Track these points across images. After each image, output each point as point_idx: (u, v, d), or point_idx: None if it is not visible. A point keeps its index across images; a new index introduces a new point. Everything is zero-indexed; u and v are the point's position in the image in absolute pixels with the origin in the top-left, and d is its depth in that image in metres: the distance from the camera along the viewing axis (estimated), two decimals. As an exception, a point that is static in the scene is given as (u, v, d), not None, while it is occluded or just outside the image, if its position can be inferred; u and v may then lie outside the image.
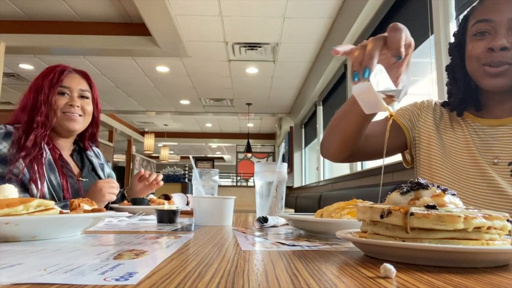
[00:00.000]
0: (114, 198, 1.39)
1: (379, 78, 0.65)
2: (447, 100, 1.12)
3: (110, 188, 1.36)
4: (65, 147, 1.49)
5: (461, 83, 1.05)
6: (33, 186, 1.25)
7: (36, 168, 1.27)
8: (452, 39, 1.11)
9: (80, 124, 1.44)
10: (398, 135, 1.13)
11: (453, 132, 1.06)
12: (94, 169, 1.56)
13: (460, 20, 1.13)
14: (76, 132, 1.47)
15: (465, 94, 1.05)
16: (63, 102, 1.40)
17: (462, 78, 1.05)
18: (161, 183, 1.64)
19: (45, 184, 1.28)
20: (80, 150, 1.56)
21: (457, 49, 1.06)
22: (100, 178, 1.54)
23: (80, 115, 1.43)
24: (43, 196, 1.26)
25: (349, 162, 1.16)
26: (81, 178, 1.44)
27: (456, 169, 1.01)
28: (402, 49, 0.67)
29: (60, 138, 1.46)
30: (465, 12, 1.07)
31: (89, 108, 1.46)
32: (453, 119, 1.09)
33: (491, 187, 0.94)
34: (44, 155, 1.32)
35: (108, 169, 1.65)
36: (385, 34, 0.68)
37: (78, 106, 1.41)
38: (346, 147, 1.03)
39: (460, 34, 1.06)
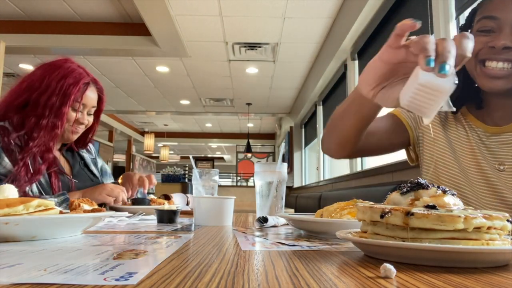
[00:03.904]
0: (110, 200, 1.36)
1: None
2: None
3: (111, 193, 1.35)
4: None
5: (460, 80, 1.03)
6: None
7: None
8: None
9: (78, 135, 1.40)
10: (401, 132, 1.11)
11: (457, 134, 1.04)
12: (86, 165, 1.51)
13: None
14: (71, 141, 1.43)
15: (462, 93, 1.02)
16: (75, 117, 1.33)
17: (461, 74, 1.01)
18: (155, 182, 1.60)
19: (34, 184, 1.23)
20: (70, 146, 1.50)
21: None
22: (93, 173, 1.50)
23: (80, 129, 1.39)
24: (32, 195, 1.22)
25: (351, 158, 1.14)
26: (74, 180, 1.39)
27: (461, 172, 1.00)
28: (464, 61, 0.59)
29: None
30: (475, 5, 1.03)
31: (91, 121, 1.42)
32: (457, 120, 1.07)
33: (494, 194, 0.93)
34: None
35: (101, 162, 1.61)
36: (453, 39, 0.59)
37: (85, 124, 1.38)
38: (345, 146, 1.01)
39: (466, 28, 1.02)
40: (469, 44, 0.58)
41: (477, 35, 0.94)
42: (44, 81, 1.26)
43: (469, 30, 1.00)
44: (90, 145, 1.59)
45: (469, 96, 1.03)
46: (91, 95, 1.37)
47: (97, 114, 1.46)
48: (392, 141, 1.12)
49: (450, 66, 0.54)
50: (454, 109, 0.61)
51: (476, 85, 1.00)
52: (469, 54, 0.58)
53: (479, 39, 0.93)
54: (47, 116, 1.24)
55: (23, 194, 1.19)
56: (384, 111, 0.93)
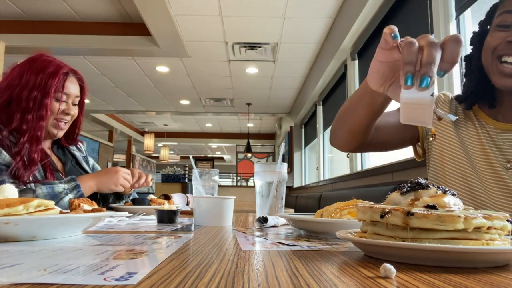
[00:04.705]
0: (122, 189, 1.38)
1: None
2: (460, 94, 1.08)
3: (126, 179, 1.37)
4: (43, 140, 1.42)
5: (475, 76, 1.00)
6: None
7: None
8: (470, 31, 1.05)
9: (64, 130, 1.40)
10: (411, 127, 1.09)
11: (467, 131, 1.03)
12: (78, 163, 1.51)
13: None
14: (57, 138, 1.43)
15: (477, 88, 1.00)
16: (61, 108, 1.34)
17: (477, 71, 0.99)
18: (150, 183, 1.61)
19: (30, 179, 1.23)
20: (60, 144, 1.50)
21: (478, 39, 1.00)
22: (85, 171, 1.50)
23: (67, 122, 1.39)
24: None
25: (359, 152, 1.12)
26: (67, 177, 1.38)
27: (471, 167, 0.99)
28: (455, 66, 0.58)
29: None
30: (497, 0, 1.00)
31: (76, 112, 1.42)
32: (467, 116, 1.05)
33: (504, 190, 0.92)
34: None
35: (92, 161, 1.61)
36: (441, 42, 0.58)
37: (72, 114, 1.38)
38: (354, 139, 0.99)
39: (486, 23, 0.99)
40: (458, 49, 0.56)
41: (495, 30, 0.92)
42: (23, 77, 1.28)
43: (488, 27, 0.98)
44: (81, 144, 1.59)
45: (482, 94, 1.01)
46: (72, 85, 1.37)
47: (80, 105, 1.45)
48: (402, 136, 1.10)
49: (430, 79, 0.54)
50: (454, 119, 0.61)
51: (491, 83, 0.97)
52: (457, 60, 0.57)
53: (497, 34, 0.91)
54: (31, 109, 1.26)
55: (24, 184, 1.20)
56: (394, 106, 0.92)
